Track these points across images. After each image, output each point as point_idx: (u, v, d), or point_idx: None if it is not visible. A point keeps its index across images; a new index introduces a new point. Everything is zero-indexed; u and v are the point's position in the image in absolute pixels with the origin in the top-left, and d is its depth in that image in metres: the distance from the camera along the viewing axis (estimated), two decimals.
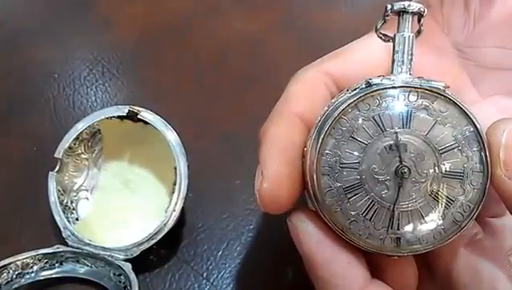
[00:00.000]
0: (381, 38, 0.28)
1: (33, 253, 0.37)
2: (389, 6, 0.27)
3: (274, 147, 0.27)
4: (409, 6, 0.26)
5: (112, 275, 0.37)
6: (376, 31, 0.28)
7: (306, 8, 0.53)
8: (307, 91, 0.29)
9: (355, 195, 0.25)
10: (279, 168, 0.26)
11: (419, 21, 0.27)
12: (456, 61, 0.31)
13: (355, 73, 0.29)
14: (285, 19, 0.52)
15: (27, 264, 0.37)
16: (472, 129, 0.25)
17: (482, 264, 0.27)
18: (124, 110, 0.38)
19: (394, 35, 0.27)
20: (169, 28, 0.52)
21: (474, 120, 0.25)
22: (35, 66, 0.50)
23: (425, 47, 0.29)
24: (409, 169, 0.25)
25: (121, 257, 0.36)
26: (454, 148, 0.25)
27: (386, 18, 0.27)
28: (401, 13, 0.27)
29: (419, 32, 0.27)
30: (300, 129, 0.28)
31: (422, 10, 0.27)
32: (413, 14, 0.27)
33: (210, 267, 0.38)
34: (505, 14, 0.30)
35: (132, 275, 0.35)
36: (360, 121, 0.25)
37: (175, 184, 0.37)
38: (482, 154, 0.25)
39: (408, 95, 0.25)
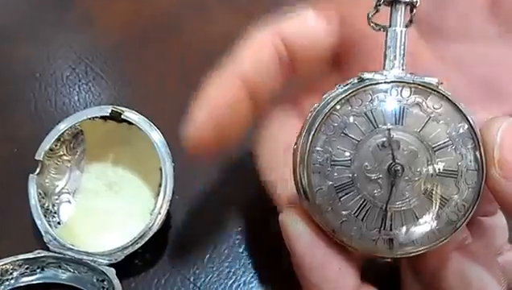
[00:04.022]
0: (373, 27, 0.28)
1: (13, 258, 0.36)
2: None
3: (205, 104, 0.30)
4: None
5: (95, 280, 0.36)
6: (368, 21, 0.28)
7: (293, 6, 0.52)
8: (254, 51, 0.30)
9: (346, 194, 0.25)
10: (205, 122, 0.29)
11: (411, 11, 0.27)
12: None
13: (307, 36, 0.30)
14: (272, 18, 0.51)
15: (7, 270, 0.36)
16: (466, 126, 0.25)
17: (471, 269, 0.27)
18: (107, 110, 0.37)
19: (387, 30, 0.27)
20: (154, 26, 0.51)
21: (468, 117, 0.25)
22: (15, 65, 0.49)
23: None
24: (402, 167, 0.24)
25: (105, 262, 0.35)
26: (448, 146, 0.25)
27: (378, 7, 0.27)
28: (393, 3, 0.26)
29: (410, 22, 0.27)
30: (237, 89, 0.30)
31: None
32: (405, 4, 0.26)
33: (197, 271, 0.37)
34: None
35: (116, 281, 0.34)
36: (352, 117, 0.25)
37: (160, 185, 0.36)
38: (477, 152, 0.25)
39: (401, 90, 0.25)
